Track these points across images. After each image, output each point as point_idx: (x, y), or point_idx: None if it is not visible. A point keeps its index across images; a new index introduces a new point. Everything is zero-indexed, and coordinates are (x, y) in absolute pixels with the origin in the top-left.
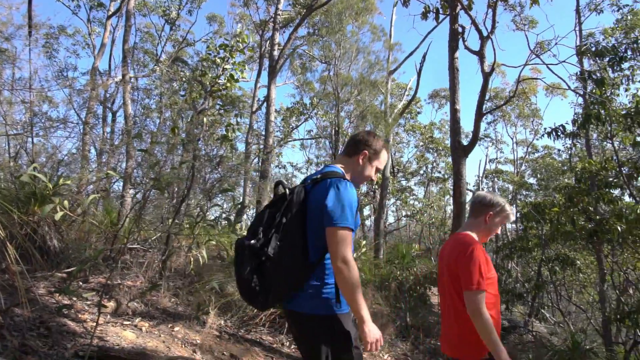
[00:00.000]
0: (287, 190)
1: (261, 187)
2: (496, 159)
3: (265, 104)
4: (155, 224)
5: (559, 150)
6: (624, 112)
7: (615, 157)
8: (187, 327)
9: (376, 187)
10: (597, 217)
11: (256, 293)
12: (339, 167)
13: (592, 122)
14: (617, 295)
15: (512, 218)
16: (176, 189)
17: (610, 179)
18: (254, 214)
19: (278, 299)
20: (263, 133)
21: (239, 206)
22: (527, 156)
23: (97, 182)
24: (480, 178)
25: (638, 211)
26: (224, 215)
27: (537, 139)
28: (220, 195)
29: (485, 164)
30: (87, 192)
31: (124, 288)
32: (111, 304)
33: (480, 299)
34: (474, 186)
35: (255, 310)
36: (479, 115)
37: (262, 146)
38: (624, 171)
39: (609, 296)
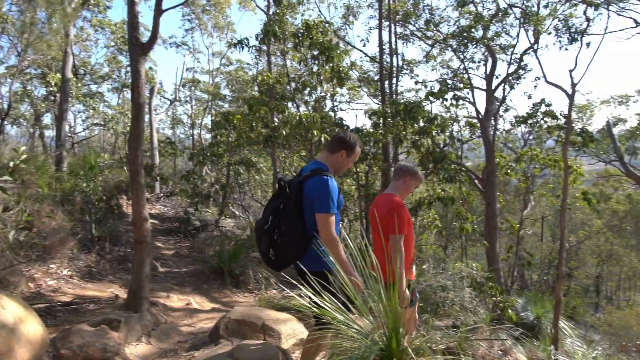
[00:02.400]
0: (286, 185)
1: None
2: (193, 68)
3: None
4: None
5: (248, 64)
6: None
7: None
8: None
9: (54, 89)
10: (272, 124)
11: (272, 261)
12: (323, 163)
13: (270, 38)
14: None
15: (423, 180)
16: None
17: (288, 94)
18: None
19: (288, 263)
20: None
21: None
22: (222, 68)
23: None
24: (177, 87)
25: (297, 118)
26: None
27: (231, 52)
28: None
29: (183, 72)
30: None
31: None
32: None
33: (399, 241)
34: (171, 95)
35: None
36: (158, 11)
37: None
38: (292, 85)
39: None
